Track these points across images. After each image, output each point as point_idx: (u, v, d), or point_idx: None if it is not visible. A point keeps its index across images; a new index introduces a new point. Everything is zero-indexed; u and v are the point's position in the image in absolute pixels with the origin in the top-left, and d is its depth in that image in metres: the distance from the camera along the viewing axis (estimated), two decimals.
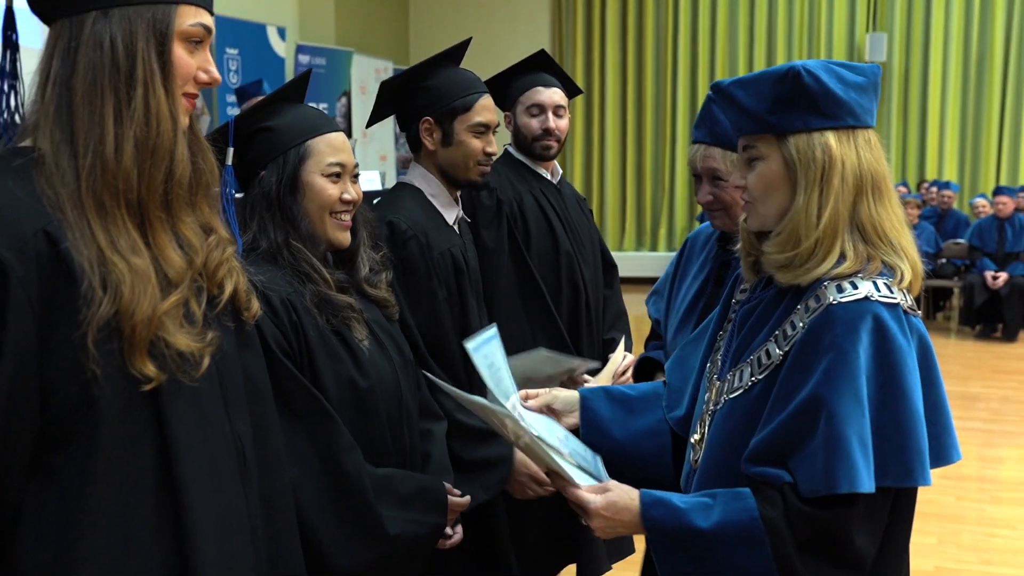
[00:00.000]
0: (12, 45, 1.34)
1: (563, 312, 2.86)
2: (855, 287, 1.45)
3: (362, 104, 9.67)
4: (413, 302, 2.24)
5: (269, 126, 1.92)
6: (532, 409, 1.80)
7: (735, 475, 1.50)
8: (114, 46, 1.24)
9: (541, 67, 2.94)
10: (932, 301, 9.68)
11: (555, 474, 1.59)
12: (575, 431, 1.81)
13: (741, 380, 1.56)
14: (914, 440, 1.42)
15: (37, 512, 1.23)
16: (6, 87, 1.35)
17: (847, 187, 1.49)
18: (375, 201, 2.56)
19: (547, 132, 2.85)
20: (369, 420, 1.92)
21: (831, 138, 1.49)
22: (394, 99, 2.48)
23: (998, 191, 9.39)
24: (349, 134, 9.30)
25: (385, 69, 10.33)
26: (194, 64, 1.31)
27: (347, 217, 1.96)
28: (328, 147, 1.94)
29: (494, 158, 2.46)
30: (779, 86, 1.49)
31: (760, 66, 11.39)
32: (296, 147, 1.90)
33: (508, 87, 2.93)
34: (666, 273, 2.47)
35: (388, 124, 10.17)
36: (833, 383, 1.41)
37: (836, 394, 1.40)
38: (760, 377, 1.52)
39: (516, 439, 1.64)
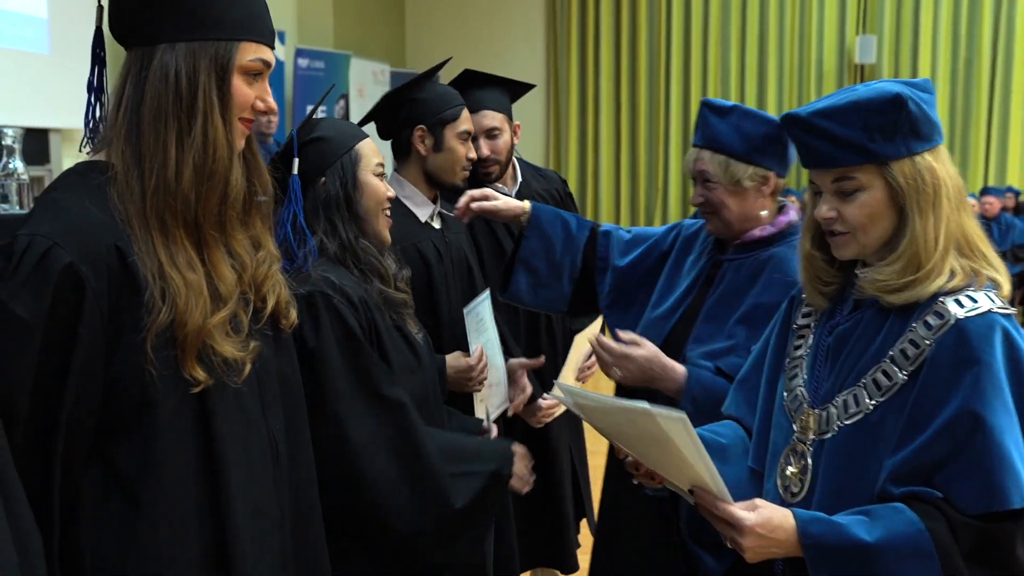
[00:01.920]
0: (100, 61, 1.48)
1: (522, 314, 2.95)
2: (974, 301, 1.45)
3: (360, 106, 9.78)
4: None
5: (320, 136, 2.08)
6: None
7: (859, 503, 1.47)
8: (178, 78, 1.37)
9: (470, 86, 2.91)
10: None
11: (701, 490, 1.48)
12: None
13: (858, 405, 1.51)
14: None
15: (98, 499, 1.36)
16: (93, 99, 1.49)
17: (952, 203, 1.49)
18: None
19: (484, 161, 2.87)
20: (422, 406, 2.07)
21: (931, 159, 1.48)
22: (386, 111, 2.64)
23: (984, 191, 9.59)
24: None
25: (383, 72, 10.45)
26: (252, 94, 1.44)
27: (389, 213, 2.13)
28: (370, 150, 2.11)
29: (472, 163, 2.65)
30: (884, 115, 1.46)
31: (752, 68, 11.56)
32: (348, 152, 2.07)
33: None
34: (653, 234, 2.54)
35: None
36: (983, 397, 1.39)
37: (989, 408, 1.39)
38: (882, 400, 1.48)
39: (643, 449, 1.58)
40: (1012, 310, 1.48)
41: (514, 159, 3.08)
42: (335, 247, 2.02)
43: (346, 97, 9.58)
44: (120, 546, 1.36)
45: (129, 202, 1.36)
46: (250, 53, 1.42)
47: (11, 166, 2.47)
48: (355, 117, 9.56)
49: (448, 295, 2.58)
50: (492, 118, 2.92)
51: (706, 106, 2.22)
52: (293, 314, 1.57)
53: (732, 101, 2.19)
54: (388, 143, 2.68)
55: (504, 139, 2.93)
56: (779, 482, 1.61)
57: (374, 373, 1.93)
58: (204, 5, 1.39)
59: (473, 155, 2.64)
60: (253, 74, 1.44)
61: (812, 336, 1.63)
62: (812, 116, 1.50)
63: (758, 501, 1.48)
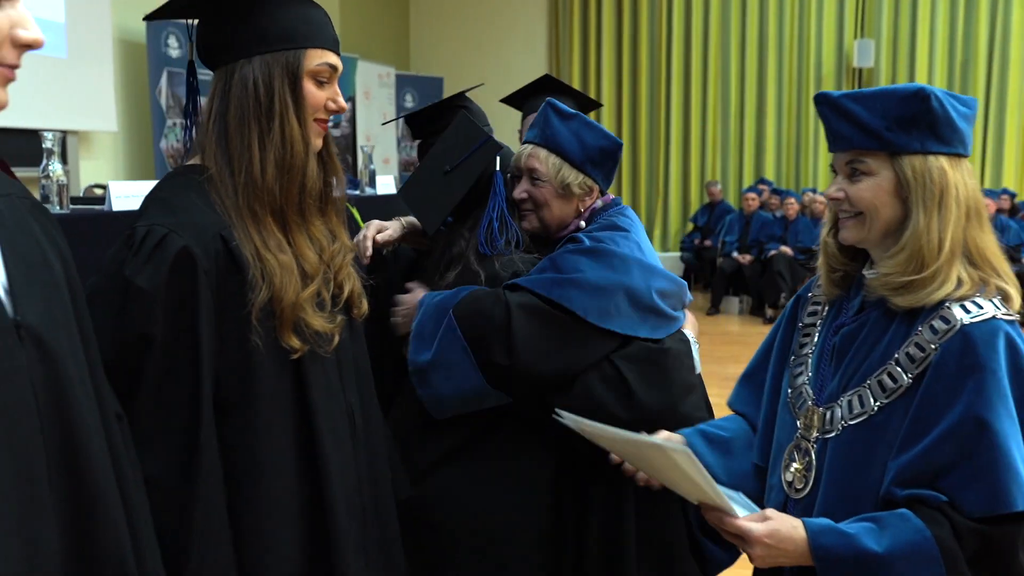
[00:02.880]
0: (194, 89, 1.67)
1: None
2: (980, 307, 1.47)
3: (366, 108, 9.94)
4: None
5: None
6: None
7: (862, 502, 1.50)
8: (256, 86, 1.55)
9: (547, 90, 3.12)
10: None
11: (708, 506, 1.54)
12: None
13: (863, 405, 1.53)
14: None
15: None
16: (189, 122, 1.67)
17: (961, 211, 1.50)
18: None
19: None
20: None
21: (944, 162, 1.50)
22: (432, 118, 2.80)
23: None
24: (354, 138, 9.56)
25: (388, 74, 10.60)
26: (323, 96, 1.61)
27: None
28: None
29: None
30: (904, 105, 1.49)
31: (752, 71, 11.71)
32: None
33: (520, 106, 3.20)
34: None
35: (391, 129, 10.44)
36: (988, 402, 1.41)
37: (994, 413, 1.40)
38: (886, 401, 1.50)
39: (655, 471, 1.63)
40: (1017, 317, 1.49)
41: None
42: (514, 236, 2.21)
43: (353, 99, 9.73)
44: (240, 500, 1.51)
45: (225, 196, 1.54)
46: (316, 58, 1.58)
47: (51, 168, 2.62)
48: (361, 119, 9.72)
49: None
50: None
51: (550, 106, 2.26)
52: (364, 304, 1.74)
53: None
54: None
55: None
56: (783, 478, 1.64)
57: None
58: (272, 22, 1.56)
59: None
60: (321, 78, 1.60)
61: (818, 335, 1.66)
62: (842, 98, 1.54)
63: (769, 512, 1.51)
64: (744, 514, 1.54)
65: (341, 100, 1.64)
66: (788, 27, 11.66)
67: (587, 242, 2.17)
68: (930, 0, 11.26)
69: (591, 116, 2.55)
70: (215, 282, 1.48)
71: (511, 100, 3.25)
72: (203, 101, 1.67)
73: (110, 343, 1.41)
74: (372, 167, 5.29)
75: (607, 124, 11.96)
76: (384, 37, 11.32)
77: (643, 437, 1.50)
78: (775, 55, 11.71)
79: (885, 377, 1.51)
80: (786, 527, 1.47)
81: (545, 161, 2.22)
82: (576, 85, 11.94)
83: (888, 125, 1.49)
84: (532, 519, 2.16)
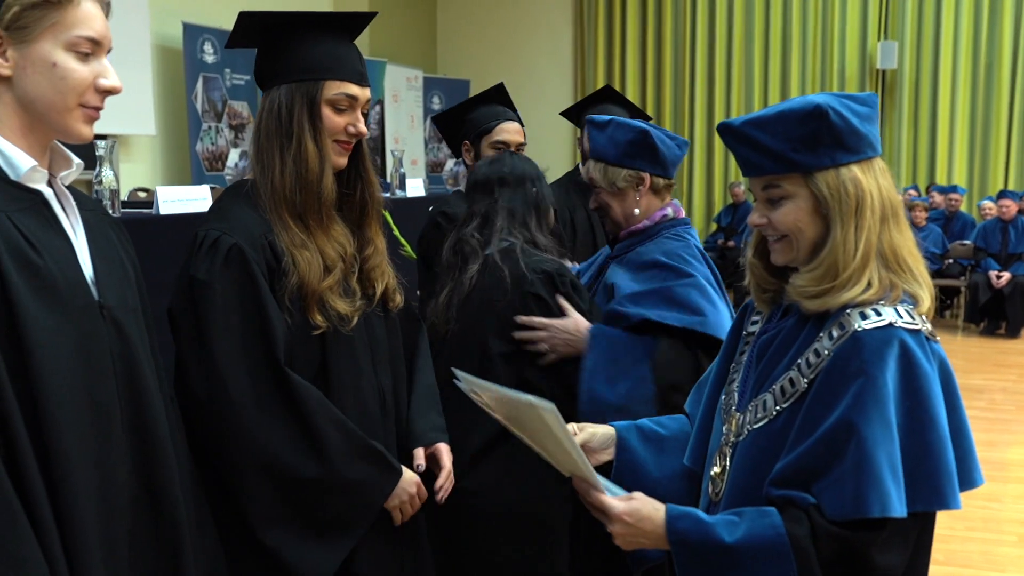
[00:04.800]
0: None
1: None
2: (879, 314, 1.45)
3: (395, 111, 10.16)
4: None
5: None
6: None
7: (759, 504, 1.49)
8: (280, 109, 1.82)
9: (606, 100, 3.38)
10: (939, 299, 10.06)
11: (579, 479, 1.57)
12: (607, 468, 1.81)
13: (765, 410, 1.54)
14: (943, 464, 1.42)
15: None
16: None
17: (876, 217, 1.50)
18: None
19: None
20: None
21: (857, 172, 1.49)
22: (447, 133, 3.10)
23: (1001, 195, 9.79)
24: (383, 141, 9.79)
25: (416, 77, 10.83)
26: (342, 122, 1.86)
27: None
28: None
29: None
30: (804, 125, 1.48)
31: (775, 74, 11.80)
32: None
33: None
34: None
35: (418, 131, 10.66)
36: (863, 408, 1.40)
37: (866, 419, 1.39)
38: (785, 406, 1.51)
39: (533, 436, 1.63)
40: (921, 326, 1.47)
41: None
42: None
43: (381, 102, 9.95)
44: None
45: (262, 201, 1.82)
46: (334, 89, 1.84)
47: (104, 174, 2.83)
48: (390, 121, 9.93)
49: None
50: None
51: (589, 123, 2.49)
52: (399, 297, 1.99)
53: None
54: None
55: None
56: (708, 483, 1.66)
57: None
58: (300, 56, 1.83)
59: None
60: (340, 106, 1.85)
61: (752, 343, 1.68)
62: (742, 126, 1.53)
63: (635, 494, 1.53)
64: (616, 493, 1.56)
65: (361, 126, 1.88)
66: (811, 29, 11.74)
67: (679, 267, 2.38)
68: (954, 1, 11.29)
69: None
70: (264, 271, 1.76)
71: (570, 113, 3.51)
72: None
73: (186, 325, 1.76)
74: (402, 171, 5.50)
75: None
76: (412, 41, 11.55)
77: (517, 394, 1.49)
78: (798, 57, 11.80)
79: (786, 382, 1.52)
80: (647, 508, 1.50)
81: (595, 170, 2.46)
82: (601, 85, 12.09)
83: (793, 147, 1.49)
84: (563, 508, 2.32)
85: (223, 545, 1.75)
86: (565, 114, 3.55)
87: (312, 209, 1.82)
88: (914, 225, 10.04)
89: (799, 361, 1.51)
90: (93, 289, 1.46)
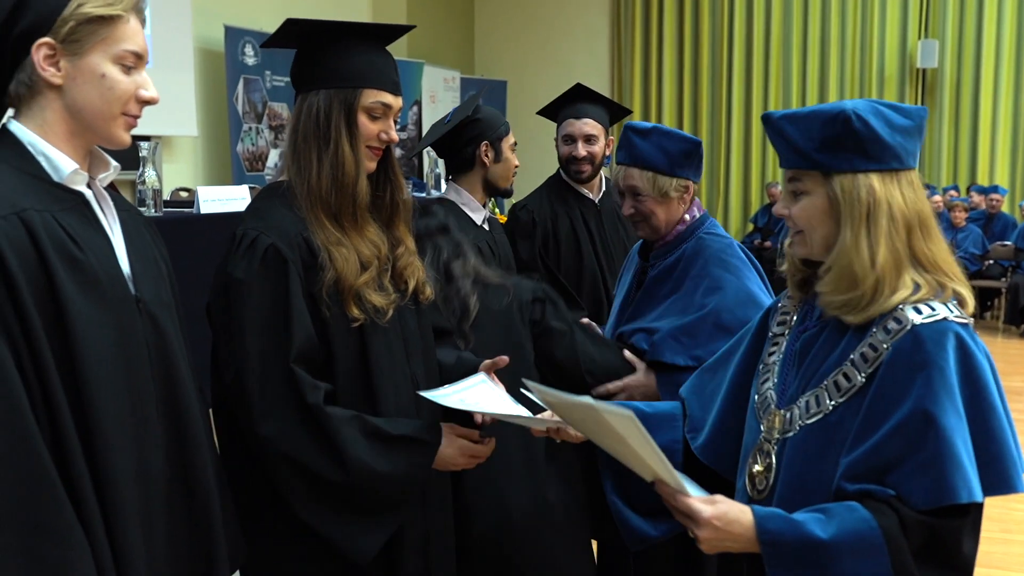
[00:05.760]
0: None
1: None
2: (932, 309, 1.50)
3: (432, 112, 10.24)
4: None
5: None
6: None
7: (816, 498, 1.52)
8: (318, 114, 1.90)
9: (579, 99, 3.41)
10: (980, 301, 9.95)
11: (661, 482, 1.55)
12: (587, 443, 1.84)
13: (819, 405, 1.57)
14: (1007, 448, 1.48)
15: None
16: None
17: (897, 226, 1.53)
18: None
19: (576, 159, 3.38)
20: None
21: (875, 180, 1.54)
22: (450, 136, 3.08)
23: None
24: (420, 141, 9.87)
25: (453, 78, 10.91)
26: (375, 128, 1.93)
27: None
28: None
29: (517, 170, 3.13)
30: (828, 128, 1.54)
31: (813, 73, 11.74)
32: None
33: (555, 117, 3.47)
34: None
35: None
36: (936, 398, 1.44)
37: (941, 408, 1.43)
38: (841, 401, 1.54)
39: (609, 442, 1.62)
40: (969, 320, 1.54)
41: (602, 171, 3.55)
42: None
43: (419, 103, 10.05)
44: None
45: (300, 201, 1.89)
46: (371, 97, 1.92)
47: (147, 175, 2.93)
48: (427, 122, 10.01)
49: None
50: (592, 126, 3.38)
51: (629, 129, 2.52)
52: (428, 290, 2.07)
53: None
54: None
55: (599, 146, 3.40)
56: (747, 480, 1.67)
57: None
58: (340, 63, 1.90)
59: (517, 163, 3.09)
60: (375, 114, 1.93)
61: (784, 342, 1.71)
62: (780, 119, 1.61)
63: (717, 496, 1.52)
64: (698, 493, 1.55)
65: (393, 133, 1.96)
66: (850, 27, 11.65)
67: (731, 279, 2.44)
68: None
69: (628, 120, 2.86)
70: (300, 269, 1.83)
71: (546, 112, 3.52)
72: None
73: (221, 321, 1.83)
74: (437, 171, 5.56)
75: (668, 125, 12.01)
76: (449, 42, 11.64)
77: (589, 402, 1.48)
78: (837, 56, 11.72)
79: (840, 377, 1.55)
80: (735, 511, 1.49)
81: (640, 178, 2.48)
82: (638, 86, 12.13)
83: (816, 146, 1.56)
84: (584, 510, 2.40)
85: (269, 527, 1.85)
86: (543, 113, 3.52)
87: (347, 211, 1.89)
88: (953, 226, 9.96)
89: (852, 356, 1.54)
90: (130, 284, 1.56)
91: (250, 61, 7.77)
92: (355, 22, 1.96)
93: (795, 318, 1.72)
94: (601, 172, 3.52)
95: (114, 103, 1.52)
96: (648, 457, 1.51)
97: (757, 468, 1.65)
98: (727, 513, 1.49)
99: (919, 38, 11.44)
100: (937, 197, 10.50)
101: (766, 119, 1.64)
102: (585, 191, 3.46)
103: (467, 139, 3.03)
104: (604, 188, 3.54)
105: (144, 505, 1.52)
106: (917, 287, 1.52)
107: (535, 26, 12.31)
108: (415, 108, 9.98)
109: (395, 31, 2.00)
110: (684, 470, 1.75)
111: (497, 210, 3.37)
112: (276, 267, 1.81)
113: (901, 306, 1.51)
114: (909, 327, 1.49)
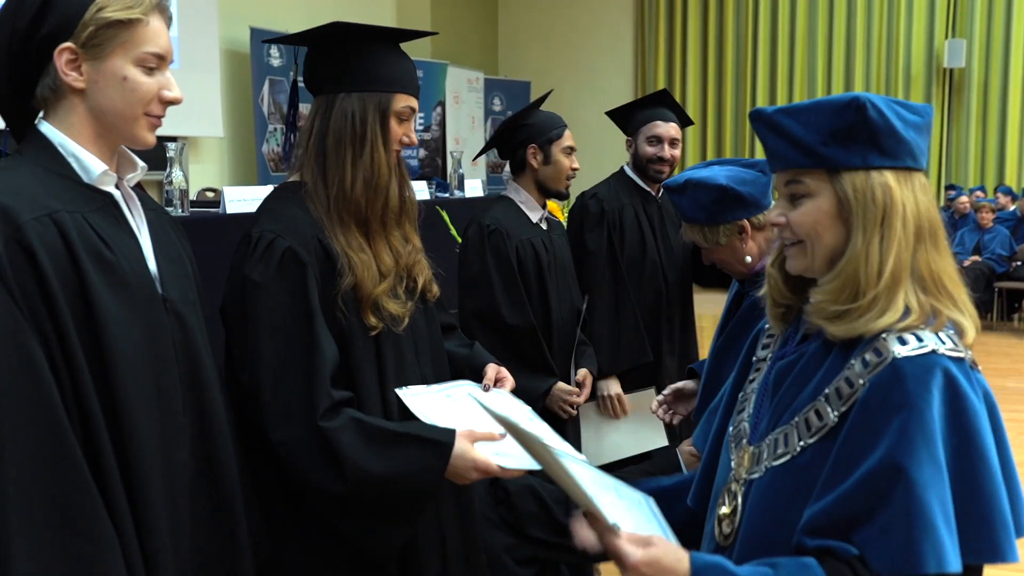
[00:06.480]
0: (295, 106, 2.03)
1: (644, 311, 3.44)
2: (920, 339, 1.31)
3: (456, 112, 10.28)
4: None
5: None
6: None
7: (780, 551, 1.33)
8: (354, 117, 1.91)
9: (662, 103, 3.54)
10: (1007, 303, 9.87)
11: (591, 516, 1.37)
12: None
13: (787, 445, 1.38)
14: (998, 511, 1.27)
15: None
16: (292, 137, 2.06)
17: (908, 233, 1.35)
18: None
19: (661, 160, 3.49)
20: None
21: (890, 178, 1.36)
22: (502, 136, 3.26)
23: None
24: (444, 142, 9.91)
25: (477, 79, 10.93)
26: (401, 131, 1.96)
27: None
28: None
29: (576, 172, 3.24)
30: (838, 117, 1.35)
31: (839, 73, 11.67)
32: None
33: (631, 117, 3.57)
34: None
35: (479, 132, 10.76)
36: (910, 446, 1.24)
37: (914, 459, 1.24)
38: (811, 441, 1.35)
39: (550, 469, 1.45)
40: (964, 353, 1.33)
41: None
42: None
43: (442, 104, 10.07)
44: None
45: (319, 205, 1.90)
46: (401, 102, 1.95)
47: (174, 175, 2.97)
48: (451, 121, 10.05)
49: (556, 282, 3.17)
50: (676, 131, 3.52)
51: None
52: (435, 288, 2.09)
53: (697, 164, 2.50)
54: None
55: (678, 151, 3.55)
56: (715, 523, 1.50)
57: None
58: (371, 67, 1.92)
59: (575, 166, 3.21)
60: (403, 117, 1.96)
61: (765, 368, 1.53)
62: (775, 113, 1.41)
63: (654, 538, 1.33)
64: (650, 527, 1.43)
65: (413, 136, 1.99)
66: (876, 27, 11.56)
67: None
68: None
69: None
70: (317, 273, 1.84)
71: (618, 112, 3.62)
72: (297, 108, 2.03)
73: (236, 323, 1.84)
74: (461, 171, 5.60)
75: (692, 129, 11.81)
76: (473, 43, 11.66)
77: (526, 429, 1.38)
78: (863, 55, 11.63)
79: (812, 414, 1.36)
80: (669, 558, 1.30)
81: (693, 232, 2.48)
82: (662, 86, 12.03)
83: (823, 140, 1.36)
84: None
85: (290, 522, 1.86)
86: (611, 114, 3.63)
87: (377, 216, 1.91)
88: (980, 227, 9.86)
89: (826, 391, 1.36)
90: (158, 284, 1.58)
91: (275, 62, 7.83)
92: (390, 27, 1.98)
93: (777, 341, 1.54)
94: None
95: (136, 104, 1.53)
96: (568, 483, 1.36)
97: (724, 510, 1.48)
98: (659, 560, 1.29)
99: (946, 37, 11.33)
100: (964, 198, 10.41)
101: (756, 116, 1.44)
102: (649, 188, 3.57)
103: (517, 142, 3.19)
104: (663, 191, 3.61)
105: (170, 500, 1.55)
106: (907, 311, 1.33)
107: (559, 27, 12.31)
108: (439, 109, 10.01)
109: (419, 35, 2.03)
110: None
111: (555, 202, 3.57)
112: (294, 271, 1.81)
113: (884, 334, 1.32)
114: (889, 360, 1.30)
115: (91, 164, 1.53)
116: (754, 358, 1.58)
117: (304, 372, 1.78)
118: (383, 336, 1.91)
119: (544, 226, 3.21)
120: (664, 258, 3.50)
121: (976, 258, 9.75)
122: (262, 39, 7.64)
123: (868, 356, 1.32)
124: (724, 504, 1.48)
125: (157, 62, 1.55)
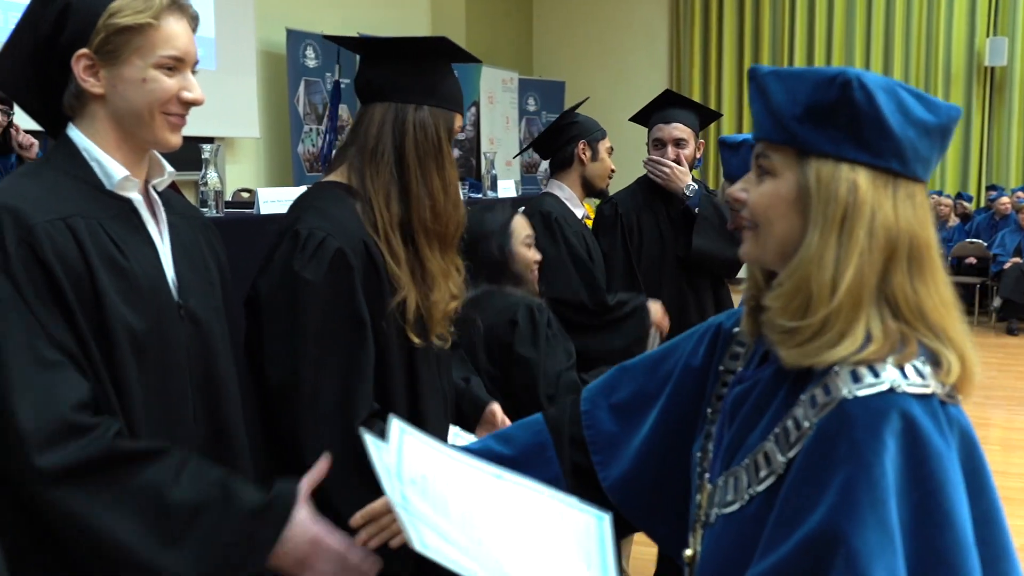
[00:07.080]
0: (336, 106, 2.03)
1: (672, 310, 3.42)
2: (876, 375, 1.11)
3: (490, 112, 10.29)
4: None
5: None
6: None
7: None
8: (435, 132, 1.87)
9: (668, 104, 3.53)
10: None
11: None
12: None
13: (736, 491, 1.22)
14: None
15: None
16: (331, 138, 2.04)
17: (876, 245, 1.15)
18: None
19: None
20: None
21: (863, 176, 1.15)
22: (551, 133, 3.41)
23: None
24: (478, 142, 9.93)
25: (511, 79, 10.93)
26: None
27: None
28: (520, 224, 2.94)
29: (614, 174, 3.43)
30: (819, 91, 1.16)
31: (877, 70, 11.40)
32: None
33: (645, 121, 3.61)
34: None
35: (513, 132, 10.76)
36: (854, 509, 1.06)
37: (857, 524, 1.06)
38: (759, 489, 1.18)
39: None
40: (933, 388, 1.12)
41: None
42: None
43: (477, 104, 10.09)
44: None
45: (380, 213, 1.82)
46: (459, 121, 1.94)
47: (208, 176, 2.99)
48: (485, 121, 10.07)
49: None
50: (681, 130, 3.49)
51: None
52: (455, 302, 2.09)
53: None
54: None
55: (689, 149, 3.50)
56: (685, 564, 1.34)
57: None
58: (441, 82, 1.88)
59: (614, 168, 3.40)
60: (455, 137, 1.94)
61: (728, 390, 1.34)
62: (768, 74, 1.23)
63: None
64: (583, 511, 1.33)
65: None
66: (916, 24, 11.40)
67: None
68: None
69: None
70: (361, 278, 1.79)
71: (638, 118, 3.64)
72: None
73: (277, 318, 1.77)
74: (494, 172, 5.61)
75: (728, 126, 11.97)
76: (507, 43, 11.67)
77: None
78: (901, 54, 11.48)
79: (760, 457, 1.19)
80: None
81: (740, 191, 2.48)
82: (697, 87, 12.03)
83: (798, 114, 1.17)
84: None
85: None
86: (634, 120, 3.65)
87: (450, 234, 1.89)
88: (1021, 228, 9.69)
89: (776, 430, 1.17)
90: (174, 291, 1.58)
91: (311, 63, 7.88)
92: (458, 46, 1.93)
93: (747, 355, 1.34)
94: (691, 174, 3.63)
95: (152, 104, 1.53)
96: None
97: (687, 553, 1.32)
98: None
99: (988, 35, 11.15)
100: (1005, 199, 10.26)
101: (752, 74, 1.26)
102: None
103: (567, 138, 3.34)
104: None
105: None
106: (868, 339, 1.13)
107: (593, 27, 12.27)
108: (473, 109, 10.03)
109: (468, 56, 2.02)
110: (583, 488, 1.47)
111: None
112: (343, 273, 1.77)
113: (837, 367, 1.12)
114: (837, 401, 1.11)
115: (112, 169, 1.54)
116: (720, 367, 1.38)
117: (347, 377, 1.75)
118: (418, 351, 1.88)
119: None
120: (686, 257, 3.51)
121: (1017, 260, 9.60)
122: (297, 40, 7.70)
123: (817, 394, 1.14)
124: (688, 547, 1.33)
125: (175, 64, 1.54)
